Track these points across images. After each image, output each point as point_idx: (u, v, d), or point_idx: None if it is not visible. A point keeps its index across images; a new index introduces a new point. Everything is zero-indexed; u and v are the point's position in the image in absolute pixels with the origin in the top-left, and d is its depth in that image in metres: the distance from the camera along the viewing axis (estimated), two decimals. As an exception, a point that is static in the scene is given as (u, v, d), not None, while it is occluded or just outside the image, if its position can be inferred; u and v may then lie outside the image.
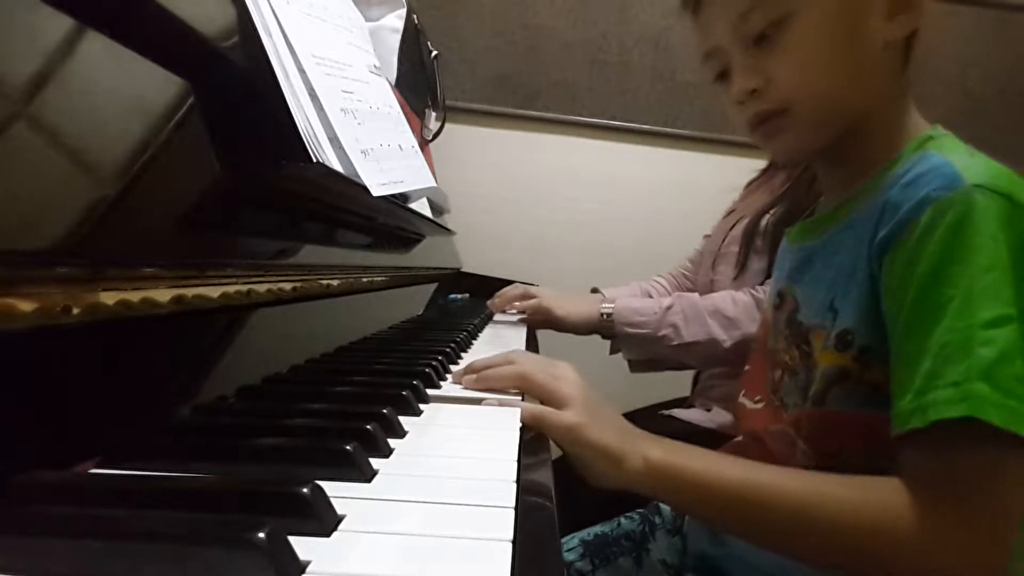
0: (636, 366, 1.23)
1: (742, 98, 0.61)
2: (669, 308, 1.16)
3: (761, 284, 1.14)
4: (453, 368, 0.76)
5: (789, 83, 0.59)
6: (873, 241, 0.55)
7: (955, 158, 0.55)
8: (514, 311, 1.33)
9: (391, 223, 1.03)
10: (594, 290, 1.41)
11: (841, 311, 0.59)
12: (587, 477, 0.57)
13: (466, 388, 0.64)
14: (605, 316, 1.21)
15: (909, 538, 0.48)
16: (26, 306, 0.30)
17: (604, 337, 1.25)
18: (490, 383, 0.63)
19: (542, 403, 0.59)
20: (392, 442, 0.45)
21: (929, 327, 0.50)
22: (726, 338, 1.12)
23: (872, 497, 0.50)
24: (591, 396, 0.59)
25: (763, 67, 0.59)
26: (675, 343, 1.14)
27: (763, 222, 1.18)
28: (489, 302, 1.40)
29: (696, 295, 1.20)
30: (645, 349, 1.19)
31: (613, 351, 1.27)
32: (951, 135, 0.61)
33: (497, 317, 1.37)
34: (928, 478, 0.49)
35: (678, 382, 1.40)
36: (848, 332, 0.58)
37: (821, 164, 0.69)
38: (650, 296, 1.41)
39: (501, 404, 0.60)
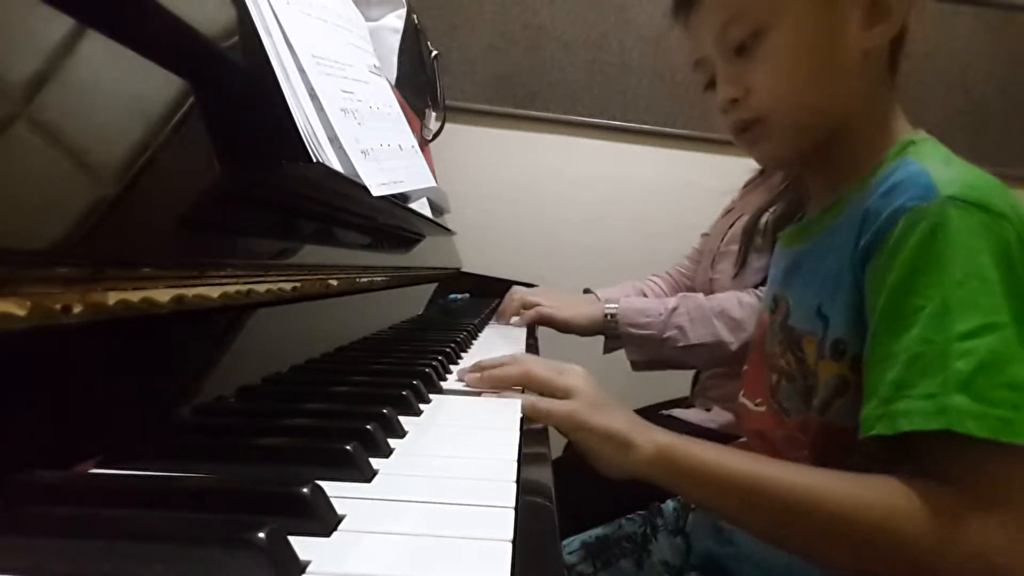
0: (639, 366, 1.22)
1: (724, 107, 0.63)
2: (674, 309, 1.15)
3: (762, 283, 1.14)
4: (453, 368, 0.76)
5: (766, 93, 0.60)
6: (856, 249, 0.56)
7: (932, 166, 0.55)
8: (516, 322, 1.32)
9: (391, 223, 1.03)
10: (586, 291, 1.40)
11: (831, 319, 0.60)
12: (596, 466, 0.58)
13: (470, 386, 0.65)
14: (609, 317, 1.20)
15: (921, 538, 0.48)
16: (26, 306, 0.30)
17: (608, 338, 1.25)
18: (495, 382, 0.64)
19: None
20: (392, 442, 0.45)
21: (897, 336, 0.51)
22: (732, 340, 1.11)
23: (880, 496, 0.50)
24: (596, 389, 0.60)
25: (743, 77, 0.61)
26: (681, 344, 1.13)
27: (763, 220, 1.18)
28: (494, 319, 1.39)
29: (701, 296, 1.19)
30: (650, 350, 1.18)
31: (607, 350, 1.27)
32: (932, 139, 0.61)
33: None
34: (932, 480, 0.49)
35: (678, 382, 1.40)
36: (841, 341, 0.58)
37: (807, 169, 0.70)
38: (644, 295, 1.41)
39: (500, 395, 0.62)
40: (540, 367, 0.63)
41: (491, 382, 0.64)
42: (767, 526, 0.55)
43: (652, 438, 0.56)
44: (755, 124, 0.62)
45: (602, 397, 0.60)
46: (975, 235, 0.50)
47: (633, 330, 1.18)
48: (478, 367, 0.67)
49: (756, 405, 0.72)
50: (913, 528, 0.48)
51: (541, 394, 0.61)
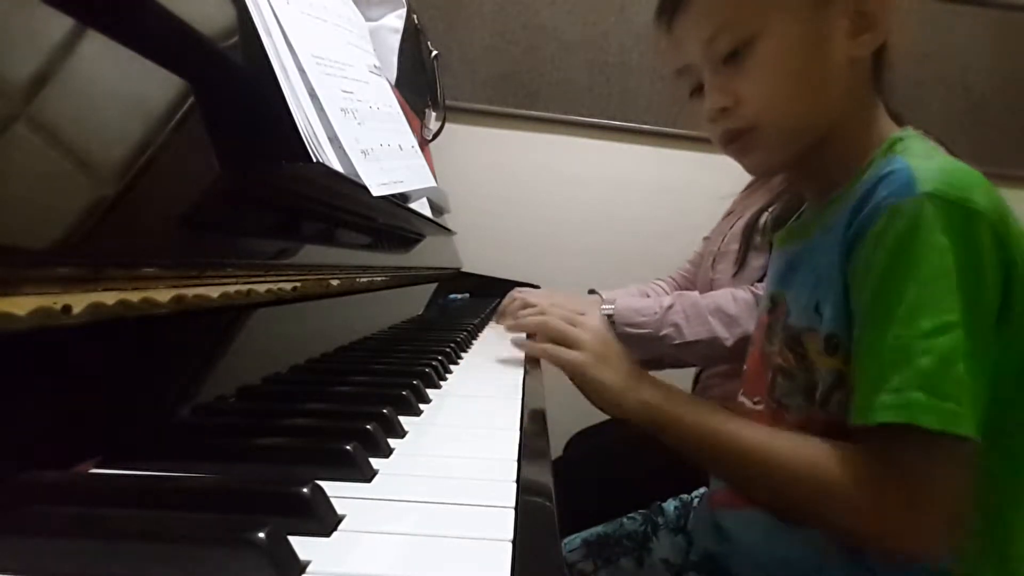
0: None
1: (713, 116, 0.64)
2: (670, 307, 1.16)
3: (760, 281, 1.14)
4: (453, 368, 0.76)
5: (755, 103, 0.61)
6: (843, 245, 0.58)
7: (915, 161, 0.56)
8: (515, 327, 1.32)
9: (391, 223, 1.03)
10: (591, 291, 1.40)
11: (825, 314, 0.61)
12: (594, 405, 0.67)
13: (503, 327, 0.83)
14: (606, 317, 1.21)
15: (854, 503, 0.54)
16: (26, 306, 0.30)
17: None
18: (518, 327, 0.79)
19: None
20: (392, 442, 0.45)
21: (879, 332, 0.54)
22: (728, 336, 1.11)
23: (823, 461, 0.56)
24: (604, 340, 0.70)
25: (732, 86, 0.61)
26: (677, 342, 1.14)
27: (762, 220, 1.18)
28: (495, 320, 1.39)
29: (696, 293, 1.20)
30: (646, 349, 1.19)
31: None
32: (918, 136, 0.62)
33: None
34: (882, 464, 0.53)
35: (678, 382, 1.40)
36: (833, 336, 0.59)
37: (798, 174, 0.71)
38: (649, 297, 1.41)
39: (519, 345, 0.76)
40: (555, 320, 0.73)
41: (515, 328, 0.78)
42: (729, 475, 0.65)
43: (637, 395, 0.65)
44: (745, 133, 0.63)
45: (607, 348, 0.69)
46: (948, 233, 0.52)
47: (629, 329, 1.18)
48: (506, 313, 0.86)
49: (755, 404, 0.72)
50: (849, 495, 0.54)
51: (556, 343, 0.71)
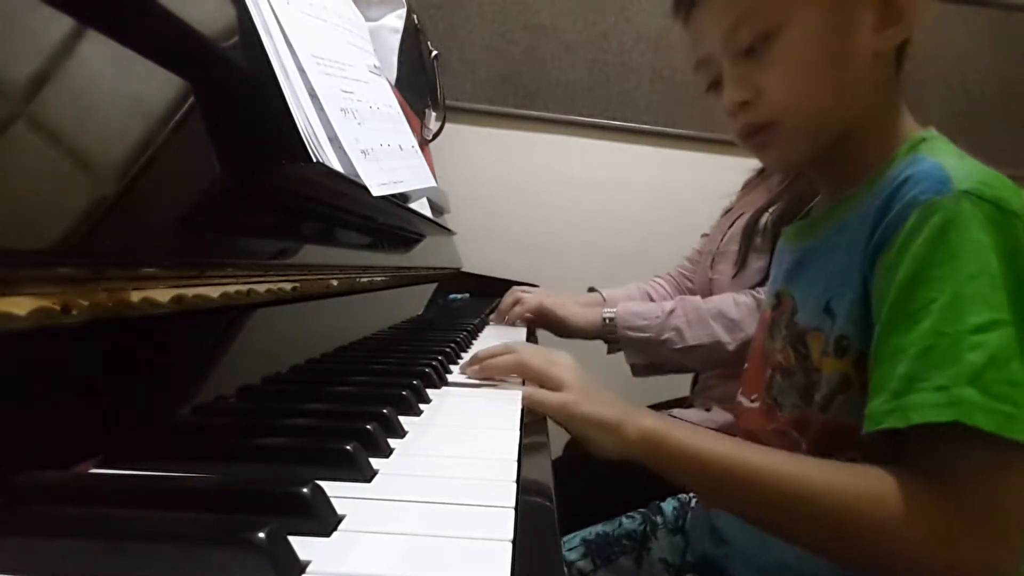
0: (639, 370, 1.23)
1: (732, 110, 0.61)
2: (672, 312, 1.16)
3: (760, 284, 1.14)
4: (453, 368, 0.76)
5: (777, 96, 0.59)
6: (868, 245, 0.56)
7: (945, 161, 0.55)
8: (516, 320, 1.32)
9: (391, 223, 1.03)
10: (591, 289, 1.40)
11: (838, 315, 0.59)
12: (590, 450, 0.60)
13: (470, 378, 0.69)
14: (607, 321, 1.21)
15: (907, 530, 0.48)
16: (26, 306, 0.30)
17: (607, 342, 1.25)
18: (491, 371, 0.68)
19: (540, 387, 0.63)
20: (392, 442, 0.45)
21: (907, 329, 0.50)
22: (730, 340, 1.12)
23: (865, 485, 0.50)
24: (586, 378, 0.63)
25: (753, 79, 0.59)
26: (678, 347, 1.14)
27: (762, 220, 1.18)
28: (492, 318, 1.39)
29: (698, 298, 1.20)
30: (648, 353, 1.19)
31: (611, 351, 1.27)
32: (943, 137, 0.61)
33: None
34: (924, 475, 0.49)
35: (678, 382, 1.40)
36: (844, 337, 0.58)
37: (815, 169, 0.69)
38: (650, 297, 1.41)
39: (500, 387, 0.66)
40: (533, 357, 0.66)
41: (488, 372, 0.68)
42: (748, 510, 0.57)
43: (637, 423, 0.58)
44: (766, 128, 0.61)
45: (591, 386, 0.62)
46: (988, 231, 0.50)
47: (631, 333, 1.18)
48: (475, 359, 0.70)
49: (751, 401, 0.72)
50: (899, 521, 0.48)
51: (536, 384, 0.64)
